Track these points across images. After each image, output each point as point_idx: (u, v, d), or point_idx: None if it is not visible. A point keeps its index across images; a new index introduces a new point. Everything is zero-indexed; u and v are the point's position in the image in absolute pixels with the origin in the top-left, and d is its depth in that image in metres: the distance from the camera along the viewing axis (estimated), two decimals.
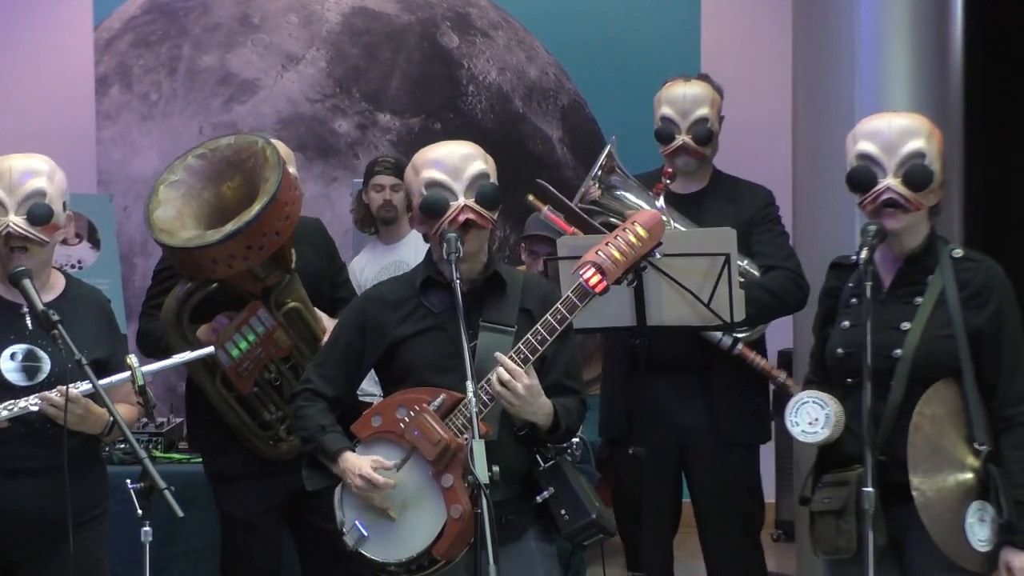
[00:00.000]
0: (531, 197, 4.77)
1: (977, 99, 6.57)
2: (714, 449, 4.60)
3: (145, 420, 5.32)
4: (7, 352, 3.68)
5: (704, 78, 4.79)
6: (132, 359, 3.68)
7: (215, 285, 4.13)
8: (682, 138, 4.65)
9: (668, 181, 4.62)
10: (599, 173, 4.65)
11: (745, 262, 4.56)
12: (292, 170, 4.29)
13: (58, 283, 3.85)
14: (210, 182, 4.19)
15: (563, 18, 8.35)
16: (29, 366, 3.68)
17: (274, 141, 4.25)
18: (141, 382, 3.62)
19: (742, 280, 4.47)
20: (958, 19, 5.90)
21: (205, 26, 8.33)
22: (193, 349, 4.06)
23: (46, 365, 3.70)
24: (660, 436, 4.52)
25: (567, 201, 4.67)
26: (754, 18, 8.11)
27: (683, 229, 4.56)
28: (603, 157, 4.67)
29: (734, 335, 4.53)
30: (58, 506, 3.63)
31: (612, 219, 4.60)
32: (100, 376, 3.61)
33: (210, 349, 4.00)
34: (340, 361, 3.75)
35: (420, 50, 8.37)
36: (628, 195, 4.65)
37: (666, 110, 4.68)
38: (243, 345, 4.15)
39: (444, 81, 8.36)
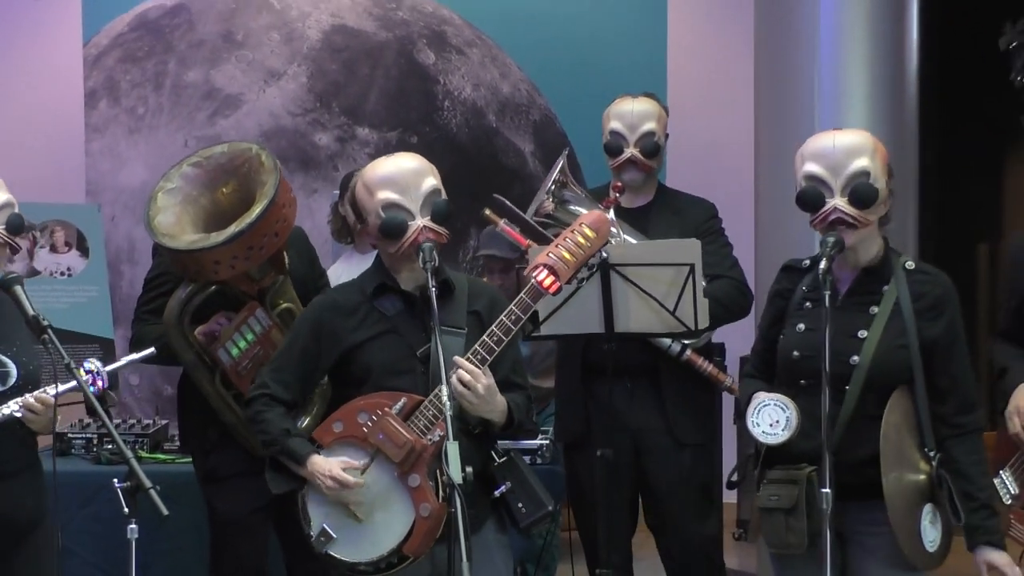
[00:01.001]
0: (487, 211, 4.77)
1: (931, 118, 6.62)
2: (667, 450, 4.62)
3: (127, 420, 5.36)
4: None
5: (651, 96, 4.81)
6: (95, 362, 3.69)
7: (214, 287, 4.14)
8: (630, 151, 4.67)
9: (617, 195, 4.63)
10: (552, 187, 4.67)
11: None
12: None
13: None
14: (206, 188, 4.20)
15: (535, 37, 8.37)
16: None
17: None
18: (104, 384, 3.65)
19: None
20: (914, 43, 5.95)
21: (190, 43, 8.32)
22: (193, 349, 4.10)
23: (12, 369, 3.67)
24: (616, 439, 4.54)
25: (523, 215, 4.68)
26: (718, 39, 8.16)
27: (634, 241, 4.58)
28: (556, 172, 4.68)
29: (682, 342, 4.56)
30: (28, 505, 3.67)
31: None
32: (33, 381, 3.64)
33: (152, 349, 3.98)
34: (296, 367, 3.75)
35: (397, 66, 8.38)
36: (581, 208, 4.65)
37: (615, 124, 4.71)
38: (242, 344, 4.15)
39: (420, 96, 8.38)
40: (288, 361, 3.77)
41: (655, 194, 4.81)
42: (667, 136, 4.79)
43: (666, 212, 4.74)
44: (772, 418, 3.51)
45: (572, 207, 4.64)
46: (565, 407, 4.82)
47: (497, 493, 3.65)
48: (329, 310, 3.75)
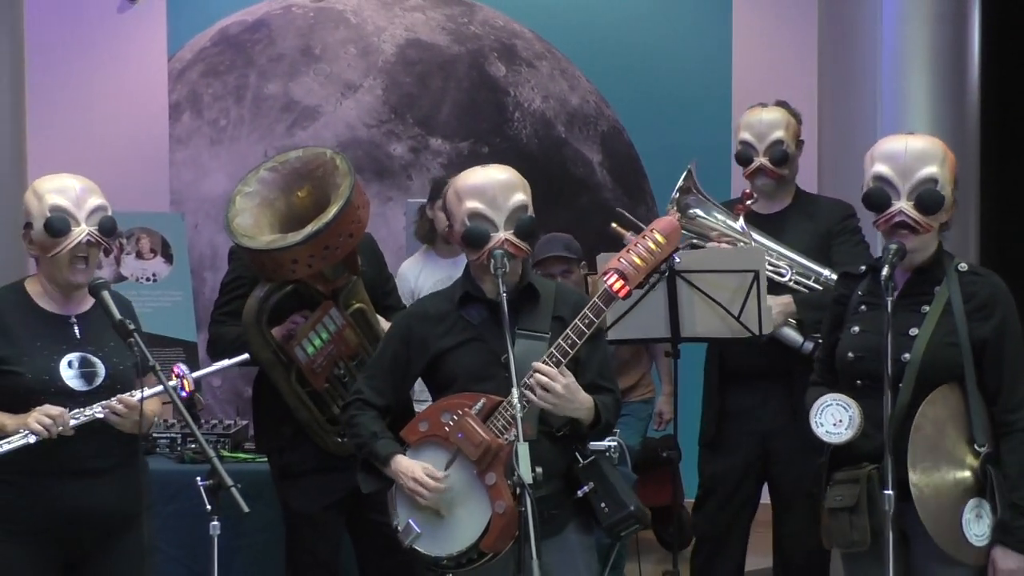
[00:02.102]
0: (614, 225, 4.77)
1: (992, 123, 6.53)
2: (795, 451, 4.57)
3: (215, 420, 5.41)
4: (64, 361, 3.67)
5: (783, 104, 4.78)
6: (182, 367, 3.73)
7: (291, 287, 4.16)
8: (760, 160, 4.64)
9: (749, 202, 4.62)
10: (677, 196, 4.66)
11: (825, 272, 4.54)
12: None
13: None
14: (282, 192, 4.22)
15: (603, 49, 8.36)
16: (86, 372, 3.67)
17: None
18: (192, 388, 3.68)
19: (820, 288, 4.48)
20: (975, 48, 5.87)
21: (270, 57, 8.38)
22: (271, 347, 4.13)
23: (101, 370, 3.69)
24: (745, 440, 4.55)
25: (644, 227, 4.69)
26: (782, 49, 8.10)
27: (774, 247, 4.56)
28: (682, 179, 4.68)
29: (815, 340, 4.52)
30: (121, 501, 3.67)
31: (694, 240, 4.64)
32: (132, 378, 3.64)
33: (245, 356, 4.01)
34: (387, 373, 3.76)
35: (469, 79, 8.39)
36: (707, 216, 4.65)
37: (745, 135, 4.69)
38: (317, 343, 4.17)
39: (491, 108, 8.39)
40: (380, 368, 3.78)
41: (792, 200, 4.77)
42: (800, 142, 4.75)
43: (801, 217, 4.71)
44: (835, 418, 3.48)
45: (692, 211, 4.62)
46: (706, 409, 4.82)
47: (580, 494, 3.62)
48: (418, 318, 3.76)
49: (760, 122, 4.68)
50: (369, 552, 4.44)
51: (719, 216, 4.65)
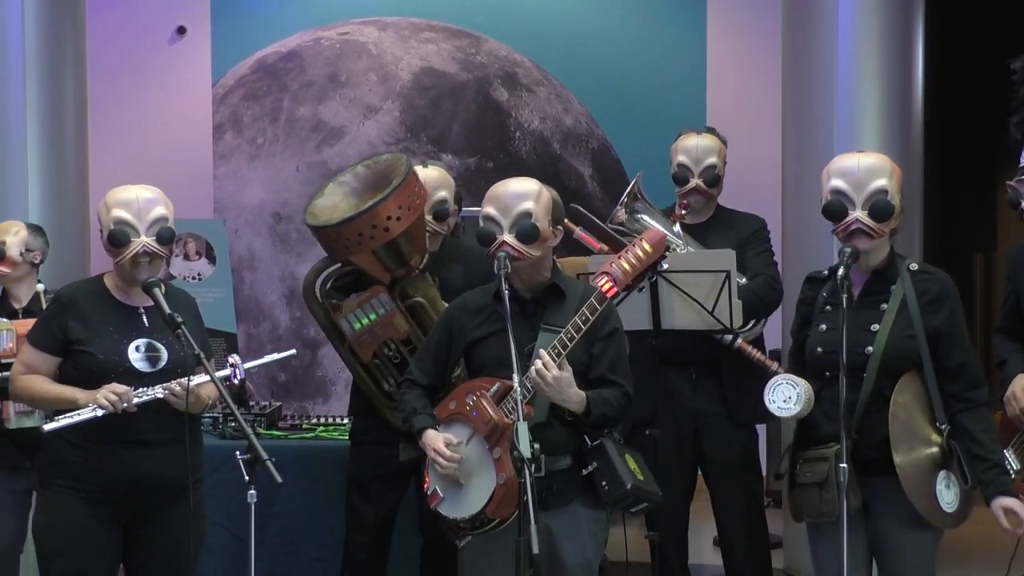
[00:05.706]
0: (567, 220, 4.77)
1: (935, 143, 6.53)
2: (724, 430, 4.57)
3: (253, 403, 5.40)
4: (132, 345, 3.68)
5: (712, 131, 4.78)
6: (235, 358, 3.75)
7: (340, 265, 4.21)
8: (695, 181, 4.65)
9: (684, 212, 4.63)
10: (626, 200, 4.68)
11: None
12: (444, 193, 4.41)
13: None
14: (368, 188, 4.21)
15: (594, 77, 8.35)
16: (151, 356, 3.68)
17: (431, 165, 4.47)
18: (242, 376, 3.71)
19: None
20: (919, 79, 5.88)
21: (302, 83, 8.37)
22: (323, 312, 4.20)
23: (164, 354, 3.70)
24: (679, 420, 4.51)
25: (597, 222, 4.68)
26: (749, 76, 8.10)
27: (693, 250, 4.56)
28: (631, 187, 4.68)
29: (735, 335, 4.51)
30: (176, 470, 3.67)
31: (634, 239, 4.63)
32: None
33: (292, 351, 4.03)
34: (433, 356, 3.78)
35: (476, 102, 8.38)
36: (649, 220, 4.66)
37: (682, 158, 4.68)
38: (364, 321, 4.16)
39: (496, 128, 8.37)
40: (428, 352, 3.80)
41: (713, 213, 4.78)
42: (725, 163, 4.76)
43: (722, 228, 4.72)
44: (785, 395, 3.48)
45: (639, 216, 4.64)
46: (636, 393, 4.78)
47: (584, 472, 3.60)
48: (459, 309, 3.76)
49: (696, 148, 4.68)
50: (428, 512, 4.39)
51: (659, 221, 4.65)
